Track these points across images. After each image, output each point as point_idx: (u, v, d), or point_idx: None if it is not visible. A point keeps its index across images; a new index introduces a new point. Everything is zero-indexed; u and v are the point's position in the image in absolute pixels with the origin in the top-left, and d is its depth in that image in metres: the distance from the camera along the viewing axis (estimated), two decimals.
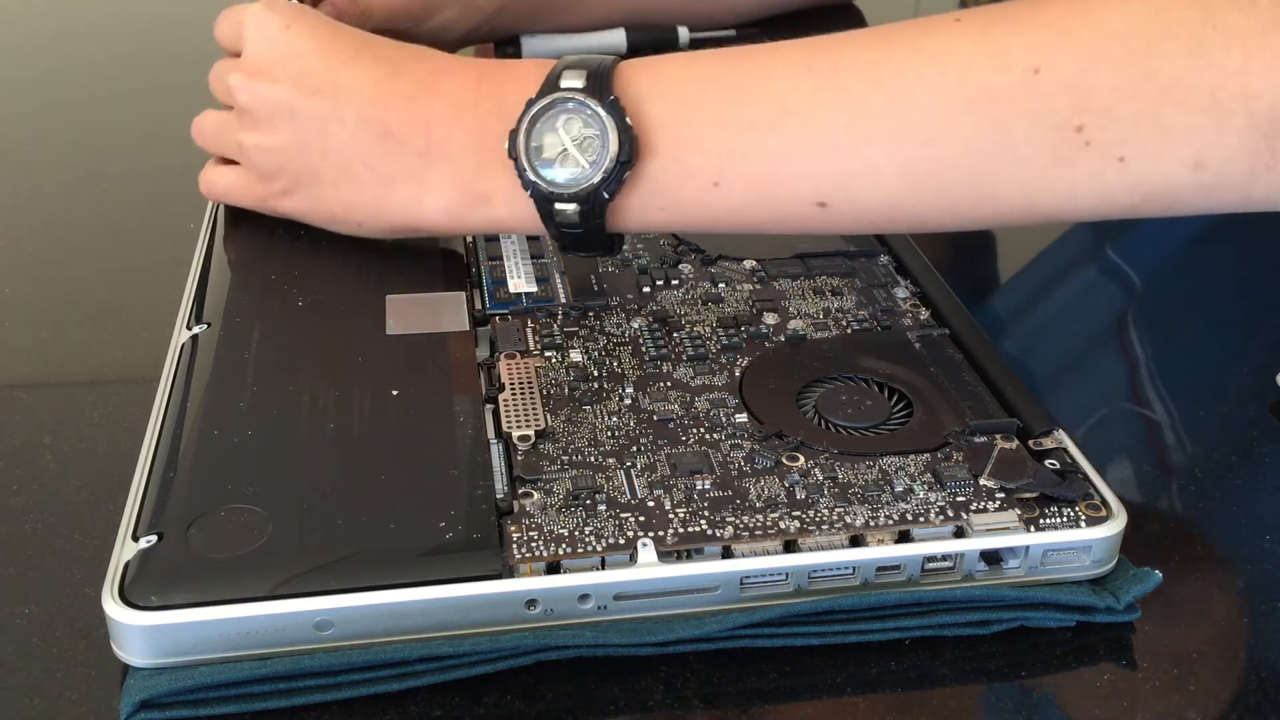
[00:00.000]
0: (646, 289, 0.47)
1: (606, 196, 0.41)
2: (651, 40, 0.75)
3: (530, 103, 0.41)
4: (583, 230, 0.42)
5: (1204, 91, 0.35)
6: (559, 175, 0.41)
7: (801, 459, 0.37)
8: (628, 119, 0.40)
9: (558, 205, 0.41)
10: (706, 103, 0.40)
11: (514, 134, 0.42)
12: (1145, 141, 0.36)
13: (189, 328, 0.44)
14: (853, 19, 0.85)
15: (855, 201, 0.40)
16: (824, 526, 0.35)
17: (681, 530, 0.35)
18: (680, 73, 0.42)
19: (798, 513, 0.35)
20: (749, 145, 0.40)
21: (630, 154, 0.40)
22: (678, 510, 0.35)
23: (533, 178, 0.41)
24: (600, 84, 0.41)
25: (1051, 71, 0.36)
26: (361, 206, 0.46)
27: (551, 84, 0.41)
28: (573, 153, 0.41)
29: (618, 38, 0.74)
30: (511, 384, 0.41)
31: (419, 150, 0.44)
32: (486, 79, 0.44)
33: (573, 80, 0.41)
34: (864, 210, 0.40)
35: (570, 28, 0.73)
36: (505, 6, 0.68)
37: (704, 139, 0.40)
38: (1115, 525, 0.35)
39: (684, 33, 0.76)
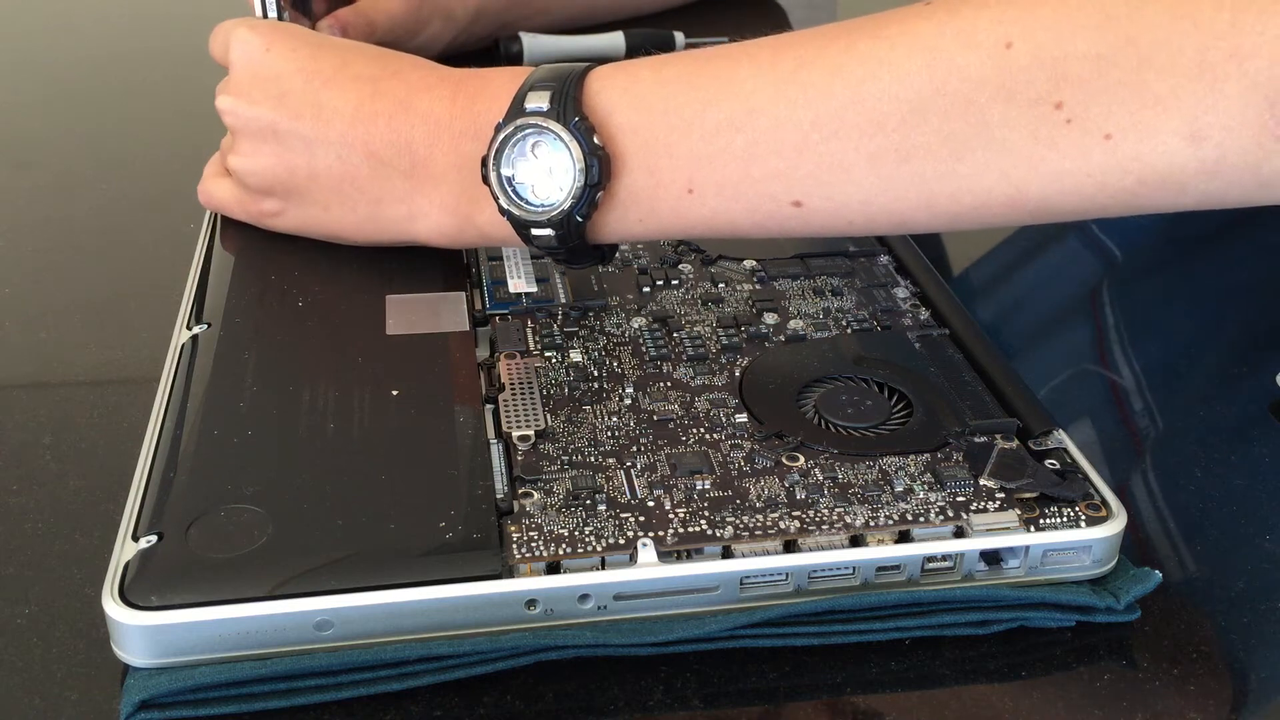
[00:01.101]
0: (646, 289, 0.47)
1: (580, 220, 0.40)
2: (650, 42, 0.75)
3: (498, 128, 0.41)
4: (563, 249, 0.42)
5: (1190, 54, 0.33)
6: (533, 199, 0.41)
7: (801, 459, 0.37)
8: (595, 139, 0.40)
9: (534, 230, 0.41)
10: (675, 106, 0.40)
11: (485, 160, 0.41)
12: (1131, 114, 0.34)
13: (189, 328, 0.44)
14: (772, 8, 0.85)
15: (830, 199, 0.39)
16: (824, 526, 0.35)
17: (681, 530, 0.35)
18: (652, 76, 0.41)
19: (798, 513, 0.35)
20: (718, 148, 0.39)
21: (599, 176, 0.40)
22: (678, 510, 0.35)
23: (506, 205, 0.41)
24: (565, 104, 0.40)
25: (1024, 44, 0.35)
26: (354, 225, 0.46)
27: (518, 106, 0.41)
28: (543, 177, 0.40)
29: (616, 40, 0.74)
30: (511, 384, 0.41)
31: (405, 171, 0.44)
32: (461, 95, 0.44)
33: (538, 102, 0.40)
34: (840, 208, 0.39)
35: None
36: (478, 16, 0.72)
37: (674, 145, 0.40)
38: (1115, 525, 0.35)
39: (679, 37, 0.76)
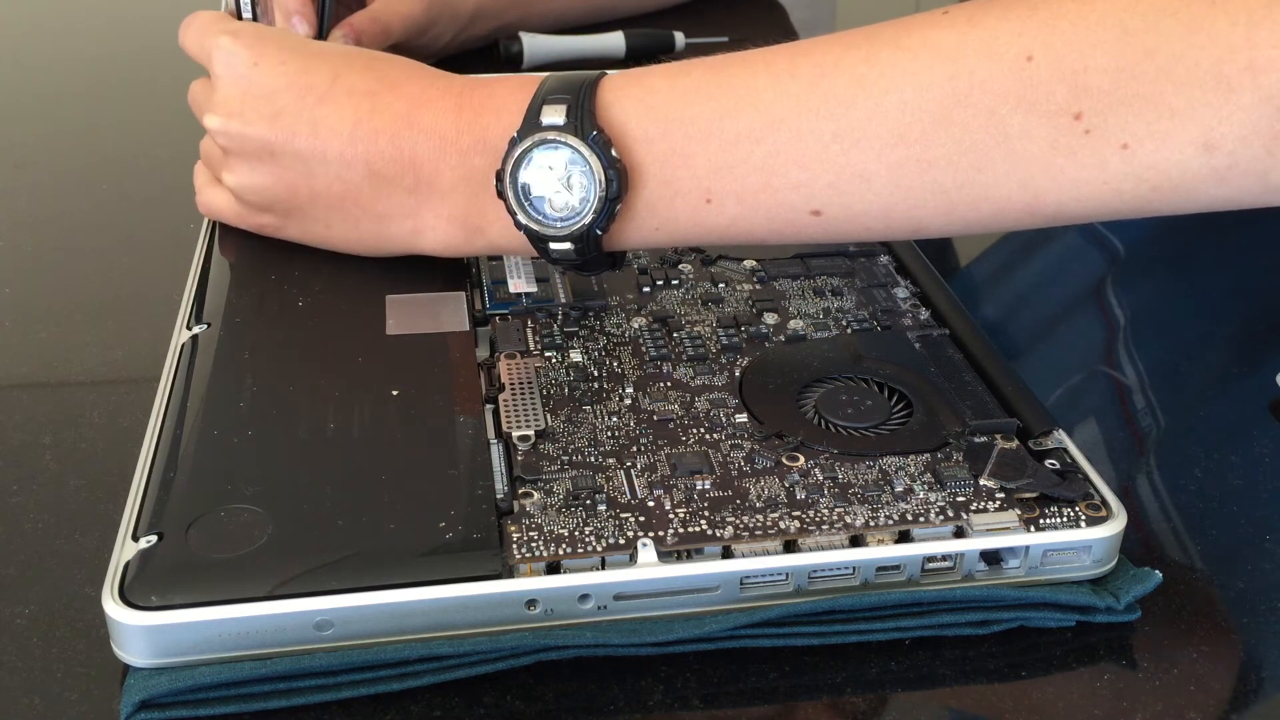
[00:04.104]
0: (646, 289, 0.47)
1: (599, 232, 0.40)
2: (650, 42, 0.75)
3: (513, 142, 0.40)
4: (580, 261, 0.42)
5: (1207, 67, 0.34)
6: (550, 212, 0.40)
7: (801, 459, 0.37)
8: (613, 152, 0.39)
9: (553, 245, 0.41)
10: (692, 117, 0.40)
11: (500, 175, 0.41)
12: (1148, 124, 0.35)
13: (189, 328, 0.44)
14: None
15: (850, 207, 0.39)
16: (824, 526, 0.35)
17: (681, 530, 0.35)
18: (666, 86, 0.40)
19: (798, 513, 0.35)
20: (738, 158, 0.39)
21: (619, 189, 0.39)
22: (678, 510, 0.35)
23: (523, 219, 0.41)
24: (582, 117, 0.40)
25: (1045, 58, 0.35)
26: (358, 241, 0.46)
27: (533, 119, 0.40)
28: (561, 191, 0.40)
29: (616, 40, 0.74)
30: (511, 384, 0.41)
31: (409, 188, 0.44)
32: (466, 107, 0.43)
33: (553, 116, 0.40)
34: (860, 215, 0.39)
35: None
36: (478, 14, 0.72)
37: (692, 156, 0.40)
38: (1115, 525, 0.35)
39: (679, 37, 0.76)
